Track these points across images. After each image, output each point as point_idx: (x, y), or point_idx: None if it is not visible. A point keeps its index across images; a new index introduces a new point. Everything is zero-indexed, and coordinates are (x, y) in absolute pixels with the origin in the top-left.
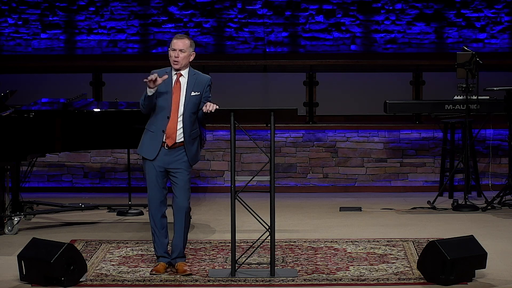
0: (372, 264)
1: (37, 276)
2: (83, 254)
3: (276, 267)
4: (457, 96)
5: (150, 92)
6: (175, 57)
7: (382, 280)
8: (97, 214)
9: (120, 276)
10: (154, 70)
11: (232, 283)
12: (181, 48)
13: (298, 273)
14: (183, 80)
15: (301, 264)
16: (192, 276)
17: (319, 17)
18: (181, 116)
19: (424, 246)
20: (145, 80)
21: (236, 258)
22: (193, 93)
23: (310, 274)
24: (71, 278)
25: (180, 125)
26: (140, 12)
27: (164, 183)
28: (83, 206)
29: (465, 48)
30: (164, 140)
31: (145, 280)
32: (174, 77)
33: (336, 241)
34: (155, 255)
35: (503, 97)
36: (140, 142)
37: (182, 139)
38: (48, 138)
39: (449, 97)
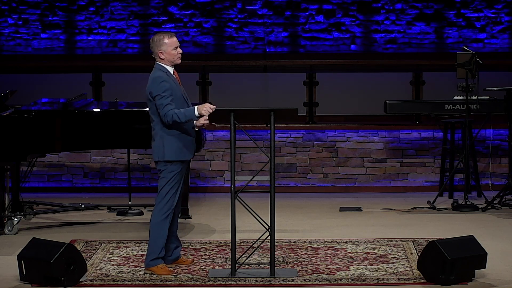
0: (372, 264)
1: (37, 276)
2: (83, 254)
3: (276, 267)
4: (457, 96)
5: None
6: (179, 53)
7: (382, 280)
8: (97, 214)
9: (120, 276)
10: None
11: (232, 283)
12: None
13: (298, 273)
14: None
15: (301, 264)
16: (192, 276)
17: (319, 17)
18: None
19: (424, 246)
20: (208, 111)
21: (236, 258)
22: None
23: (310, 274)
24: (71, 278)
25: None
26: (140, 12)
27: None
28: (83, 206)
29: (465, 48)
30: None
31: (145, 280)
32: (174, 75)
33: (336, 241)
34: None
35: (503, 97)
36: (167, 147)
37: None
38: (48, 138)
39: (449, 97)
